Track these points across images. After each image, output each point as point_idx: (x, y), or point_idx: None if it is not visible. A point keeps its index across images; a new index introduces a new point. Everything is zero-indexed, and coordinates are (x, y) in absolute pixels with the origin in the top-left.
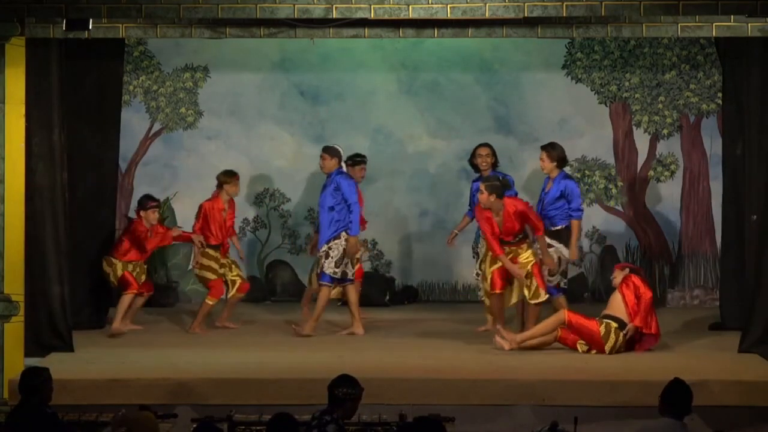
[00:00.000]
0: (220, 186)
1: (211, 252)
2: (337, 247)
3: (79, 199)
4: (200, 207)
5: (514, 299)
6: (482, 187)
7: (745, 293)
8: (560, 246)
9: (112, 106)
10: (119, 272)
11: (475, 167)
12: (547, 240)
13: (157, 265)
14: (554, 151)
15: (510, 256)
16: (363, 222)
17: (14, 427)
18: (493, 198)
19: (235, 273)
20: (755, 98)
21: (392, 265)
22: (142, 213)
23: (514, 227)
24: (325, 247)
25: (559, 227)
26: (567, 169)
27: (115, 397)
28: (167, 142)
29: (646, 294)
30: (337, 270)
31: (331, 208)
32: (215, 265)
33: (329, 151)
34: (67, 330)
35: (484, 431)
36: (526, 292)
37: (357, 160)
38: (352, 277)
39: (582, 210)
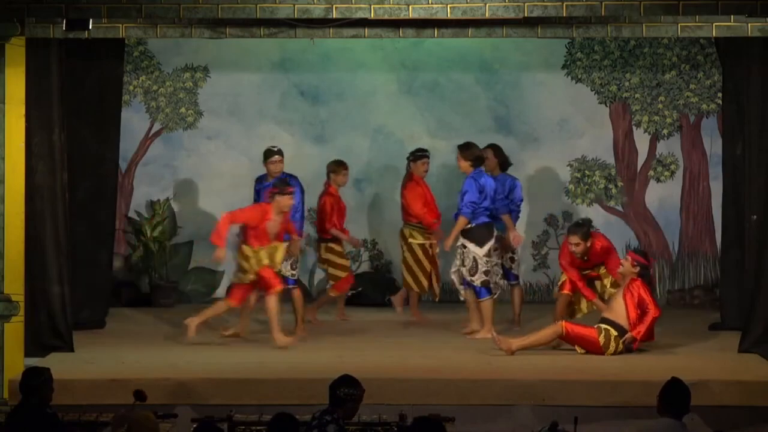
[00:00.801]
0: (329, 176)
1: (335, 246)
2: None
3: (79, 199)
4: (324, 203)
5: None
6: (578, 237)
7: (745, 293)
8: (472, 245)
9: (112, 106)
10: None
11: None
12: (462, 240)
13: (157, 265)
14: (468, 151)
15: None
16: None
17: (14, 427)
18: (589, 243)
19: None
20: (755, 98)
21: (392, 265)
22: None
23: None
24: None
25: (471, 225)
26: (567, 169)
27: (115, 397)
28: (167, 142)
29: (654, 313)
30: (294, 272)
31: None
32: (344, 261)
33: (280, 153)
34: (67, 330)
35: (484, 431)
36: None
37: (418, 155)
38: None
39: (470, 210)
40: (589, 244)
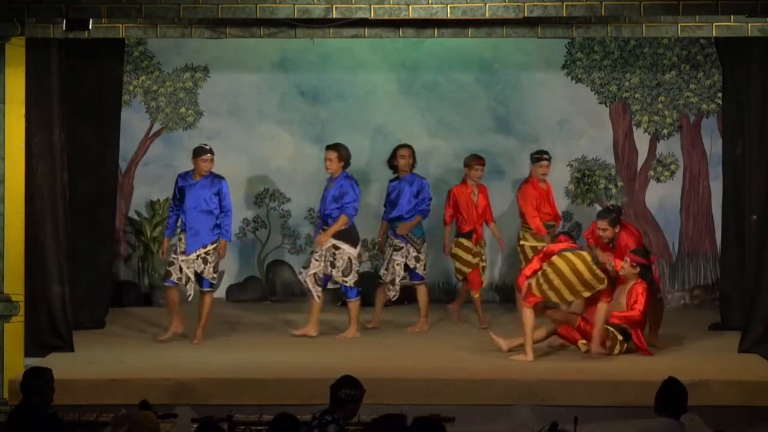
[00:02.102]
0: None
1: (463, 241)
2: (216, 252)
3: (79, 199)
4: (449, 192)
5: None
6: (606, 223)
7: (745, 293)
8: (347, 246)
9: (112, 106)
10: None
11: (394, 168)
12: (334, 242)
13: (157, 265)
14: (344, 151)
15: None
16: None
17: (15, 427)
18: (617, 230)
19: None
20: (755, 98)
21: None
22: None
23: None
24: (201, 252)
25: (346, 226)
26: (567, 169)
27: (115, 397)
28: (167, 142)
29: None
30: (215, 275)
31: (210, 212)
32: (468, 256)
33: (212, 152)
34: (67, 330)
35: (484, 431)
36: None
37: (536, 156)
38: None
39: (356, 210)
40: (617, 231)
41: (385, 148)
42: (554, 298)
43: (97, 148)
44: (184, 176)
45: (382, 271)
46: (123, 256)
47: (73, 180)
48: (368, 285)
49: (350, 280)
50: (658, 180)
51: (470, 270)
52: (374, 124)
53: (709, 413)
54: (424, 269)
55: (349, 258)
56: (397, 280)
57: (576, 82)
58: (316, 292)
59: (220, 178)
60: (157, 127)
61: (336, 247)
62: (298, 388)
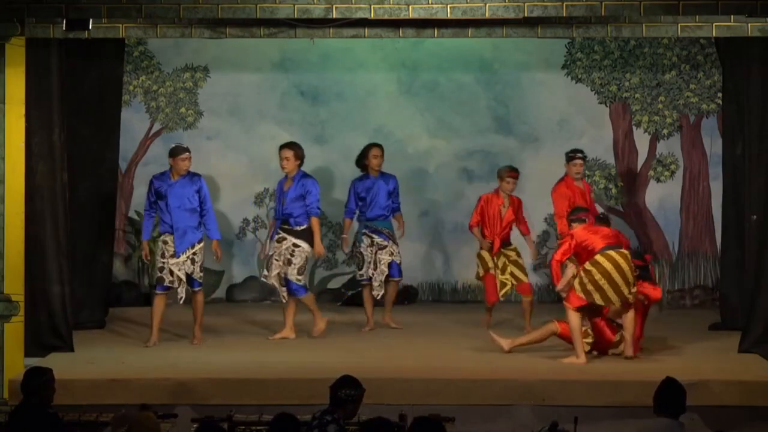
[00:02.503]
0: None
1: (482, 253)
2: (202, 251)
3: (79, 199)
4: (479, 198)
5: None
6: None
7: (745, 293)
8: (306, 245)
9: (112, 106)
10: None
11: (364, 167)
12: (294, 240)
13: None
14: (299, 150)
15: None
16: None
17: (16, 427)
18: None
19: (506, 275)
20: (755, 98)
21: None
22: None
23: None
24: (190, 252)
25: (304, 227)
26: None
27: (115, 397)
28: (167, 142)
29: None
30: (202, 273)
31: (194, 210)
32: (487, 259)
33: (189, 151)
34: (67, 330)
35: (484, 431)
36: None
37: (570, 155)
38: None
39: (320, 208)
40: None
41: (385, 147)
42: (598, 300)
43: (97, 148)
44: (160, 177)
45: (370, 272)
46: (123, 256)
47: (73, 180)
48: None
49: (303, 279)
50: (658, 180)
51: (484, 272)
52: (374, 124)
53: (709, 413)
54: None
55: (306, 257)
56: (382, 278)
57: (576, 82)
58: (282, 292)
59: (198, 176)
60: (157, 127)
61: (296, 245)
62: (298, 388)
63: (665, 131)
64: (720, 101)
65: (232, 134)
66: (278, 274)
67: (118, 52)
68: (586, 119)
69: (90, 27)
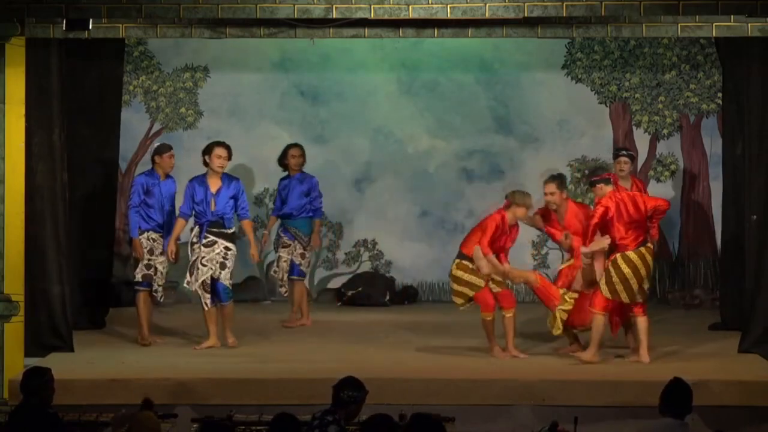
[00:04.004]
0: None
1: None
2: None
3: (79, 199)
4: (486, 218)
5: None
6: (554, 186)
7: (745, 293)
8: (235, 248)
9: (112, 106)
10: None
11: (285, 167)
12: (226, 243)
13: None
14: (231, 150)
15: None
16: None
17: (16, 427)
18: (564, 195)
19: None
20: (755, 98)
21: (392, 265)
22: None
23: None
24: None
25: (233, 229)
26: (567, 170)
27: (115, 397)
28: (167, 142)
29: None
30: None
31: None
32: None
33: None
34: (67, 330)
35: (484, 431)
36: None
37: (614, 153)
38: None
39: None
40: (564, 197)
41: (385, 148)
42: (625, 298)
43: (97, 148)
44: (149, 175)
45: (274, 269)
46: (123, 256)
47: (73, 180)
48: (369, 285)
49: (230, 283)
50: (658, 180)
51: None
52: (374, 124)
53: (709, 413)
54: (307, 266)
55: (235, 261)
56: (285, 276)
57: (576, 82)
58: (205, 299)
59: (168, 177)
60: (157, 127)
61: (228, 249)
62: (298, 388)
63: (665, 131)
64: (720, 101)
65: (232, 134)
66: (204, 280)
67: (118, 52)
68: (586, 119)
69: (90, 27)
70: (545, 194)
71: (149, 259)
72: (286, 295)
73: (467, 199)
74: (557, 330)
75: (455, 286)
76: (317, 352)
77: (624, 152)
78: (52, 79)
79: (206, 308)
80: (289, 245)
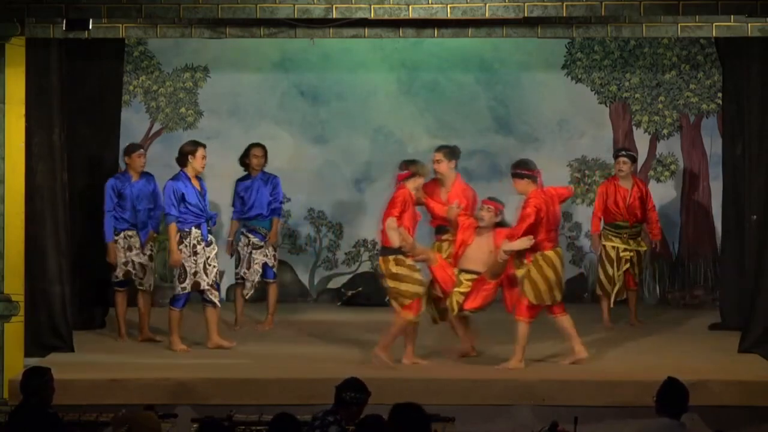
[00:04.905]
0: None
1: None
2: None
3: (79, 199)
4: (393, 195)
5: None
6: (442, 154)
7: (745, 293)
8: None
9: (112, 106)
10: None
11: (246, 166)
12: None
13: (157, 265)
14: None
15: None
16: None
17: (15, 427)
18: (453, 165)
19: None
20: (755, 98)
21: None
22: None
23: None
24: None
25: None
26: (567, 169)
27: (115, 397)
28: (167, 142)
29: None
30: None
31: (152, 207)
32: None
33: (143, 147)
34: (67, 330)
35: (484, 431)
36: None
37: (614, 154)
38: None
39: (173, 214)
40: (452, 165)
41: (385, 148)
42: (549, 300)
43: (97, 148)
44: (120, 178)
45: (243, 271)
46: None
47: (73, 180)
48: (369, 285)
49: (179, 287)
50: (658, 180)
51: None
52: (374, 124)
53: (709, 413)
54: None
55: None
56: (257, 279)
57: (576, 82)
58: (217, 297)
59: (152, 175)
60: (157, 127)
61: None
62: (298, 388)
63: (665, 131)
64: (720, 101)
65: (232, 134)
66: (215, 279)
67: (118, 52)
68: (586, 119)
69: (90, 27)
70: (433, 161)
71: (127, 257)
72: (248, 298)
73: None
74: (453, 312)
75: (401, 285)
76: (317, 352)
77: (624, 152)
78: (52, 79)
79: (218, 306)
80: (261, 246)
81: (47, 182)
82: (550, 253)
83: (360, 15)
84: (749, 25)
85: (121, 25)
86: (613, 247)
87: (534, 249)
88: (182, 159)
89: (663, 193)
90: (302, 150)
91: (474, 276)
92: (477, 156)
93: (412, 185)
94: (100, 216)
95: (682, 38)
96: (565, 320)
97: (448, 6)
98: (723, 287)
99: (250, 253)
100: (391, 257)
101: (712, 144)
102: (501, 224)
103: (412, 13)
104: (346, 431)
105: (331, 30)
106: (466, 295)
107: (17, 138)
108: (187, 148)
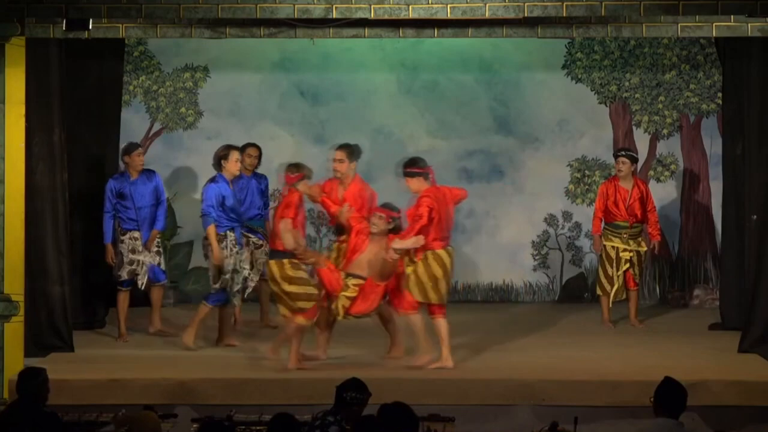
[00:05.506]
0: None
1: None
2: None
3: (79, 199)
4: (284, 198)
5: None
6: (344, 153)
7: (745, 293)
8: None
9: (112, 106)
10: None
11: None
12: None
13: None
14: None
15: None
16: None
17: (7, 426)
18: (353, 166)
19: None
20: (755, 98)
21: None
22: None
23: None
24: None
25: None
26: (567, 169)
27: (115, 397)
28: (167, 142)
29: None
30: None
31: (154, 205)
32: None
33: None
34: (67, 330)
35: (484, 431)
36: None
37: (614, 153)
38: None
39: (212, 216)
40: (353, 167)
41: (385, 148)
42: (434, 299)
43: (97, 148)
44: (119, 178)
45: (247, 274)
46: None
47: (73, 180)
48: None
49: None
50: (658, 180)
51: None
52: (374, 124)
53: (709, 413)
54: None
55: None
56: (257, 278)
57: (576, 82)
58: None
59: (154, 171)
60: (157, 127)
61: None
62: (298, 388)
63: (665, 131)
64: (720, 101)
65: (232, 134)
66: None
67: (118, 52)
68: (586, 119)
69: (90, 27)
70: (334, 160)
71: (132, 258)
72: (246, 296)
73: (467, 199)
74: (339, 316)
75: (301, 289)
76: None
77: (624, 152)
78: (52, 79)
79: (236, 306)
80: (262, 245)
81: (47, 182)
82: (441, 251)
83: (360, 15)
84: (749, 25)
85: (121, 25)
86: (613, 247)
87: (425, 247)
88: (216, 163)
89: (663, 193)
90: (302, 150)
91: (361, 281)
92: (477, 156)
93: (303, 187)
94: (100, 216)
95: (682, 38)
96: (442, 324)
97: (448, 6)
98: (723, 287)
99: (252, 252)
100: (286, 260)
101: (712, 144)
102: (395, 230)
103: (412, 13)
104: (346, 431)
105: (331, 30)
106: (353, 299)
107: (17, 138)
108: (221, 152)
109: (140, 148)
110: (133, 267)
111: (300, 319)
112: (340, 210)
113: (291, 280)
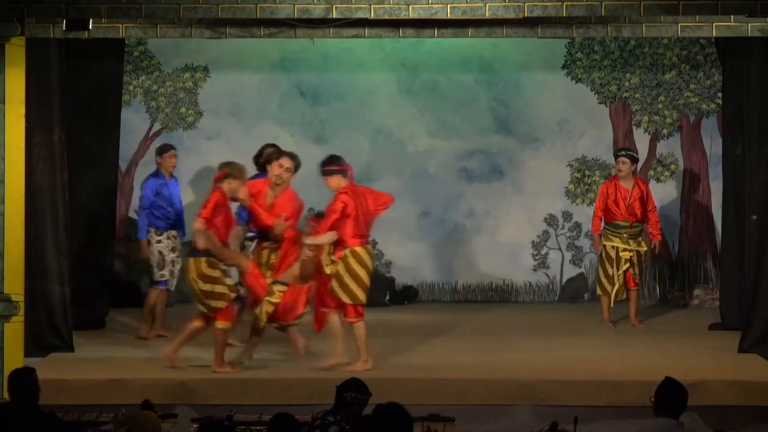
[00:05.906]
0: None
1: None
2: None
3: (79, 199)
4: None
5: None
6: (292, 164)
7: (745, 293)
8: None
9: (112, 106)
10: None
11: (261, 166)
12: None
13: None
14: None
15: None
16: None
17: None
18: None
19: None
20: (755, 98)
21: (392, 265)
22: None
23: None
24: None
25: None
26: (567, 169)
27: (115, 397)
28: (167, 142)
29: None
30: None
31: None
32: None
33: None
34: (67, 330)
35: (484, 431)
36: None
37: (614, 154)
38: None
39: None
40: (293, 178)
41: (385, 148)
42: (362, 298)
43: (97, 148)
44: (156, 176)
45: None
46: (123, 256)
47: (73, 180)
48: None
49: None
50: (658, 180)
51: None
52: (374, 124)
53: (709, 413)
54: None
55: None
56: None
57: (576, 82)
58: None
59: (175, 176)
60: (157, 127)
61: None
62: (298, 388)
63: (665, 131)
64: (720, 101)
65: (232, 134)
66: None
67: (118, 52)
68: (586, 119)
69: (90, 27)
70: (281, 166)
71: (169, 257)
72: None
73: (467, 199)
74: (262, 322)
75: (215, 288)
76: (317, 353)
77: (623, 152)
78: (52, 79)
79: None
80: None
81: (47, 182)
82: (359, 249)
83: (360, 15)
84: (749, 25)
85: (121, 25)
86: (613, 246)
87: (344, 245)
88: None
89: (663, 193)
90: (302, 150)
91: (286, 287)
92: (477, 156)
93: (227, 186)
94: (100, 216)
95: (682, 38)
96: (359, 327)
97: (448, 6)
98: (723, 287)
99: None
100: (203, 258)
101: (712, 144)
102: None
103: (412, 13)
104: (346, 431)
105: (331, 30)
106: (276, 305)
107: (17, 138)
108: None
109: (173, 150)
110: (173, 268)
111: (220, 323)
112: (275, 222)
113: (206, 279)
